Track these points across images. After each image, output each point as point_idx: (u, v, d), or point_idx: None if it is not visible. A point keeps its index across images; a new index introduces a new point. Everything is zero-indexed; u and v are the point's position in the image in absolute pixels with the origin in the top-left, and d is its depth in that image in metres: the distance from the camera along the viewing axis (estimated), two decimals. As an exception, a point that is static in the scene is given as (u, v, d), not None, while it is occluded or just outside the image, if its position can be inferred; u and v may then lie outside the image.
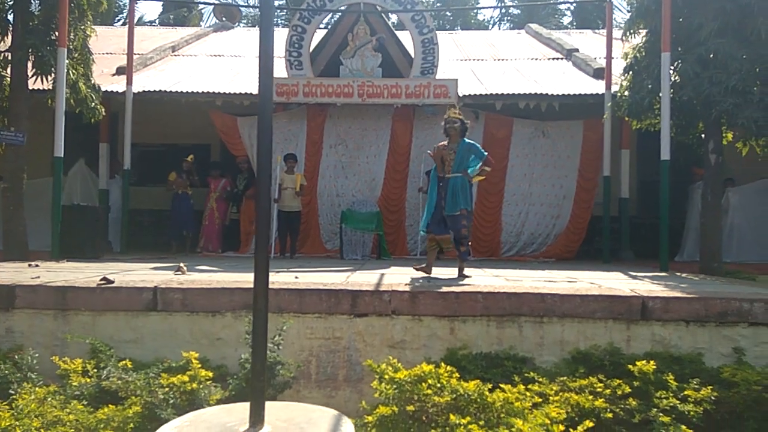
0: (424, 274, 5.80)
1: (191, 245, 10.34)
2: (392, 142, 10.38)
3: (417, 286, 4.53)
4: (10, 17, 8.11)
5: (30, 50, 7.88)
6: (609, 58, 9.68)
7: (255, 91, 10.13)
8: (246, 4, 22.74)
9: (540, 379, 3.72)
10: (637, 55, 8.05)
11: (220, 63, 12.54)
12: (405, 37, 10.53)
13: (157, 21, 23.67)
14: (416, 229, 10.18)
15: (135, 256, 8.87)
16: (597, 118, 9.85)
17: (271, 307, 4.41)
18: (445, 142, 6.11)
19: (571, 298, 4.24)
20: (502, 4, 21.94)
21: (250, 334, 3.99)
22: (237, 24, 17.43)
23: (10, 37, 8.10)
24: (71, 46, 8.14)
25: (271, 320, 4.34)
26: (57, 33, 7.91)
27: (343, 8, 10.08)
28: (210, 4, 17.76)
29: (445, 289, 4.38)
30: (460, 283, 5.03)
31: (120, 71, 10.92)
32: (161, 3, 23.09)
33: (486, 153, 6.09)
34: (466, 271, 6.03)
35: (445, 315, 4.31)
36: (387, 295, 4.36)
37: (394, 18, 13.00)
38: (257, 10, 23.94)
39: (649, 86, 7.48)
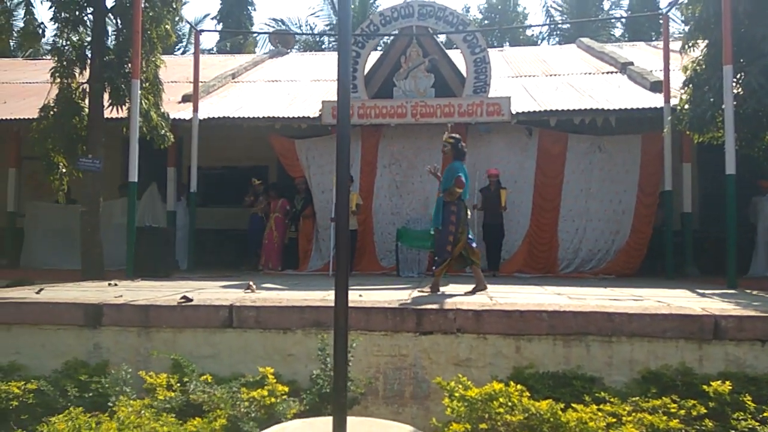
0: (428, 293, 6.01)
1: (255, 264, 10.73)
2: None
3: (482, 304, 4.59)
4: (88, 52, 8.72)
5: (106, 82, 8.43)
6: (667, 71, 9.52)
7: (311, 114, 10.50)
8: (300, 31, 23.48)
9: (612, 399, 3.71)
10: (697, 68, 7.91)
11: (277, 88, 13.00)
12: (457, 57, 10.68)
13: (215, 49, 24.71)
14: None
15: (202, 274, 9.26)
16: (655, 131, 9.69)
17: (340, 324, 4.58)
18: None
19: (640, 317, 4.21)
20: (551, 21, 21.80)
21: (322, 350, 4.20)
22: (291, 50, 18.00)
23: (88, 70, 8.70)
24: (143, 77, 8.67)
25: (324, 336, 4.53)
26: (130, 65, 8.46)
27: (395, 32, 10.33)
28: (265, 33, 18.47)
29: (510, 307, 4.43)
30: (522, 300, 5.05)
31: (185, 99, 11.50)
32: (211, 32, 24.06)
33: (459, 173, 6.23)
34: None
35: (511, 333, 4.35)
36: (452, 314, 4.44)
37: (443, 37, 13.16)
38: (309, 36, 24.69)
39: (711, 99, 7.33)
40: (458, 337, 4.42)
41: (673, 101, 9.23)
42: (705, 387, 3.76)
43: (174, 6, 9.20)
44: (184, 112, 10.67)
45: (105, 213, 9.59)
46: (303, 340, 4.61)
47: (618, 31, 24.48)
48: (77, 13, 8.45)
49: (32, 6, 8.31)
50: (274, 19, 25.15)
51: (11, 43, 18.22)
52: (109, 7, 8.66)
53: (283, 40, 18.11)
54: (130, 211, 8.25)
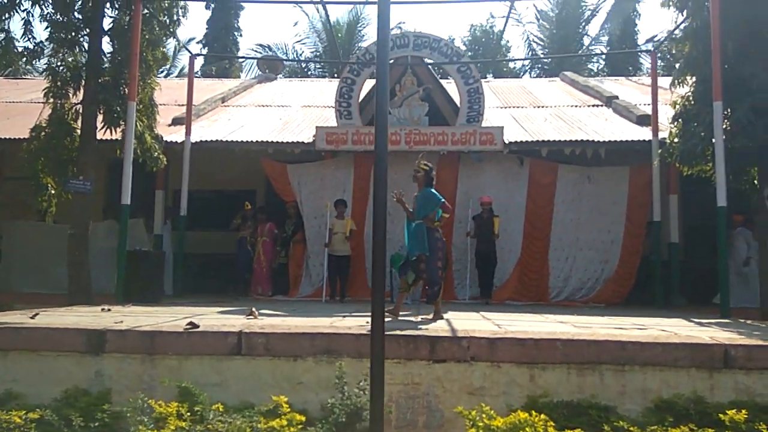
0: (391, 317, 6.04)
1: (244, 289, 10.56)
2: (437, 188, 10.55)
3: (495, 332, 4.58)
4: (82, 73, 8.63)
5: (101, 104, 8.34)
6: (655, 104, 9.82)
7: (305, 139, 10.50)
8: (285, 57, 23.67)
9: (632, 429, 3.71)
10: (686, 103, 8.17)
11: (268, 113, 13.01)
12: (450, 87, 10.86)
13: (199, 72, 24.66)
14: (463, 274, 10.26)
15: (191, 299, 9.07)
16: (642, 164, 9.94)
17: (352, 352, 4.53)
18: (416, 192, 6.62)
19: (652, 346, 4.25)
20: (544, 55, 22.34)
21: (339, 378, 4.12)
22: (279, 75, 18.09)
23: (81, 91, 8.60)
24: (138, 99, 8.59)
25: (352, 365, 4.47)
26: (126, 88, 8.40)
27: (391, 61, 10.47)
28: (264, 58, 18.64)
29: (524, 335, 4.43)
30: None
31: (176, 122, 11.42)
32: (203, 56, 24.10)
33: (443, 199, 6.48)
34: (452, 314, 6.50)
35: (524, 362, 4.34)
36: (465, 342, 4.42)
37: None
38: (295, 63, 24.88)
39: (702, 134, 7.56)
40: (472, 366, 4.39)
41: (661, 134, 9.52)
42: (721, 415, 3.79)
43: (171, 29, 9.20)
44: (176, 135, 10.58)
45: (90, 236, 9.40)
46: (313, 367, 4.52)
47: (596, 66, 25.24)
48: (73, 33, 8.38)
49: (31, 25, 8.20)
50: (260, 45, 25.34)
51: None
52: (105, 28, 8.62)
53: (271, 65, 18.20)
54: (121, 234, 8.10)
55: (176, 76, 24.16)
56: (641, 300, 10.16)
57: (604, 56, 24.65)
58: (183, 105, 12.62)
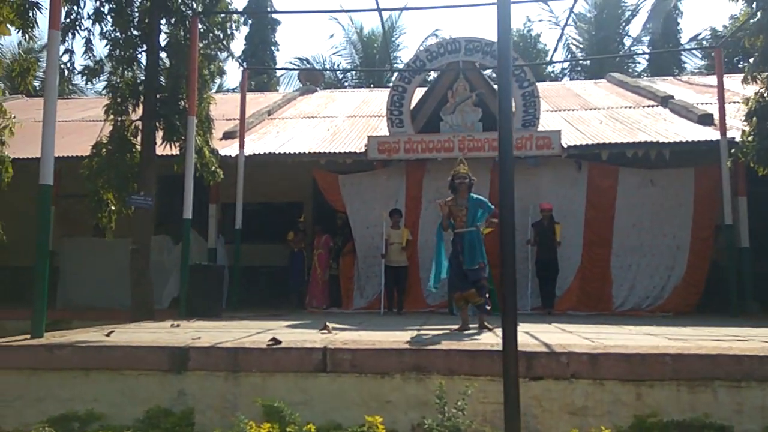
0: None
1: (298, 302, 10.48)
2: (492, 194, 10.31)
3: (595, 347, 4.33)
4: (140, 89, 8.71)
5: (161, 119, 8.38)
6: (722, 103, 9.38)
7: (355, 149, 10.41)
8: (325, 67, 23.81)
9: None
10: (761, 100, 7.79)
11: (314, 124, 12.99)
12: (504, 92, 10.62)
13: (237, 88, 24.98)
14: (523, 283, 9.94)
15: (248, 313, 9.00)
16: (708, 165, 9.52)
17: (442, 369, 4.33)
18: (450, 198, 6.31)
19: (771, 360, 3.94)
20: (597, 56, 21.88)
21: (440, 398, 3.92)
22: (319, 87, 18.12)
23: (140, 107, 8.67)
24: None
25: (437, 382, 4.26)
26: (184, 102, 8.44)
27: (442, 67, 10.32)
28: (304, 70, 18.79)
29: (629, 350, 4.16)
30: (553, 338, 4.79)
31: (227, 136, 11.47)
32: (246, 70, 24.36)
33: (493, 207, 6.16)
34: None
35: (630, 379, 4.07)
36: (564, 357, 4.18)
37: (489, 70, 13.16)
38: (335, 73, 24.99)
39: (784, 131, 7.17)
40: (572, 383, 4.14)
41: (729, 134, 9.11)
42: None
43: (225, 43, 9.23)
44: (229, 148, 10.60)
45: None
46: (401, 385, 4.33)
47: (639, 67, 24.63)
48: (132, 50, 8.46)
49: (92, 44, 8.30)
50: (299, 58, 25.54)
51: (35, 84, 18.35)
52: (162, 44, 8.69)
53: (312, 77, 18.25)
54: (184, 249, 8.08)
55: (216, 91, 24.52)
56: (711, 308, 9.69)
57: (647, 57, 24.02)
58: (230, 119, 12.73)
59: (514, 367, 2.41)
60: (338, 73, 25.35)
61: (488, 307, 6.18)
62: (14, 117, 7.38)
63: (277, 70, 25.94)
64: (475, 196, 6.31)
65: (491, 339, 5.03)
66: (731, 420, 3.96)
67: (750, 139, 7.85)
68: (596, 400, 4.11)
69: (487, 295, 6.23)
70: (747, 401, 3.97)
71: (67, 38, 7.95)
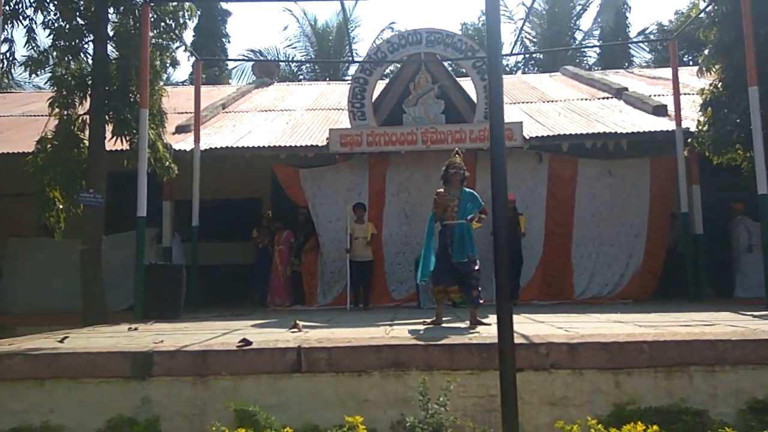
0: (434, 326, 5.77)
1: (261, 300, 10.21)
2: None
3: (573, 337, 4.31)
4: (88, 81, 8.22)
5: (111, 112, 7.94)
6: (676, 94, 9.62)
7: (317, 142, 10.19)
8: (279, 59, 23.32)
9: (738, 434, 3.46)
10: (715, 90, 8.01)
11: (272, 117, 12.66)
12: (467, 84, 10.60)
13: (187, 81, 24.22)
14: (487, 275, 9.96)
15: (209, 313, 8.68)
16: (663, 155, 9.76)
17: (421, 365, 4.23)
18: (442, 189, 6.20)
19: (743, 344, 4.01)
20: (553, 48, 22.18)
21: (423, 395, 3.81)
22: (274, 80, 17.72)
23: (88, 100, 8.19)
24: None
25: (421, 378, 4.16)
26: (135, 95, 8.03)
27: (404, 59, 10.20)
28: (264, 61, 18.32)
29: (607, 339, 4.16)
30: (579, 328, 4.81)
31: (180, 129, 11.03)
32: (191, 63, 23.62)
33: (483, 203, 6.13)
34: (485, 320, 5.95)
35: (609, 367, 4.07)
36: (543, 348, 4.14)
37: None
38: (290, 66, 24.54)
39: (737, 120, 7.39)
40: (551, 374, 4.11)
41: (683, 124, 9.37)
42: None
43: (177, 33, 8.84)
44: (183, 143, 10.19)
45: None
46: (380, 383, 4.21)
47: (589, 60, 25.23)
48: (78, 40, 7.97)
49: (35, 33, 7.76)
50: (251, 50, 24.89)
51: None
52: (110, 34, 8.23)
53: (267, 70, 17.84)
54: (138, 248, 7.69)
55: (164, 84, 23.66)
56: (668, 294, 9.97)
57: (597, 51, 24.64)
58: (182, 113, 12.27)
59: (511, 361, 2.31)
60: (293, 66, 24.87)
61: (481, 301, 6.07)
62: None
63: (229, 62, 25.28)
64: (467, 189, 6.23)
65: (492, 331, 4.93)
66: (707, 404, 4.01)
67: (705, 128, 8.07)
68: (576, 390, 4.09)
69: (480, 289, 6.11)
70: (721, 385, 4.03)
71: (6, 27, 7.40)
